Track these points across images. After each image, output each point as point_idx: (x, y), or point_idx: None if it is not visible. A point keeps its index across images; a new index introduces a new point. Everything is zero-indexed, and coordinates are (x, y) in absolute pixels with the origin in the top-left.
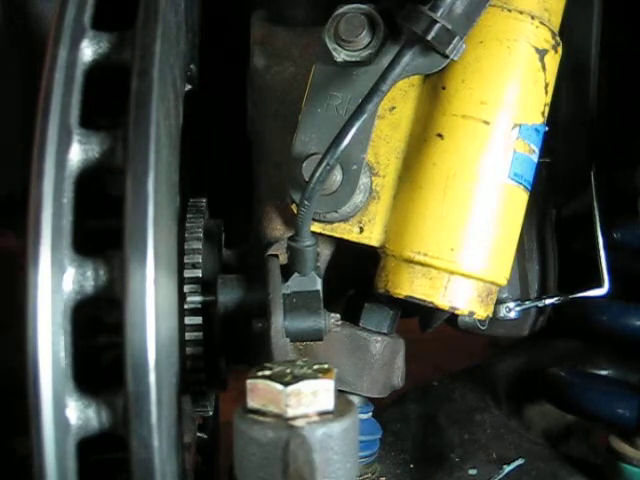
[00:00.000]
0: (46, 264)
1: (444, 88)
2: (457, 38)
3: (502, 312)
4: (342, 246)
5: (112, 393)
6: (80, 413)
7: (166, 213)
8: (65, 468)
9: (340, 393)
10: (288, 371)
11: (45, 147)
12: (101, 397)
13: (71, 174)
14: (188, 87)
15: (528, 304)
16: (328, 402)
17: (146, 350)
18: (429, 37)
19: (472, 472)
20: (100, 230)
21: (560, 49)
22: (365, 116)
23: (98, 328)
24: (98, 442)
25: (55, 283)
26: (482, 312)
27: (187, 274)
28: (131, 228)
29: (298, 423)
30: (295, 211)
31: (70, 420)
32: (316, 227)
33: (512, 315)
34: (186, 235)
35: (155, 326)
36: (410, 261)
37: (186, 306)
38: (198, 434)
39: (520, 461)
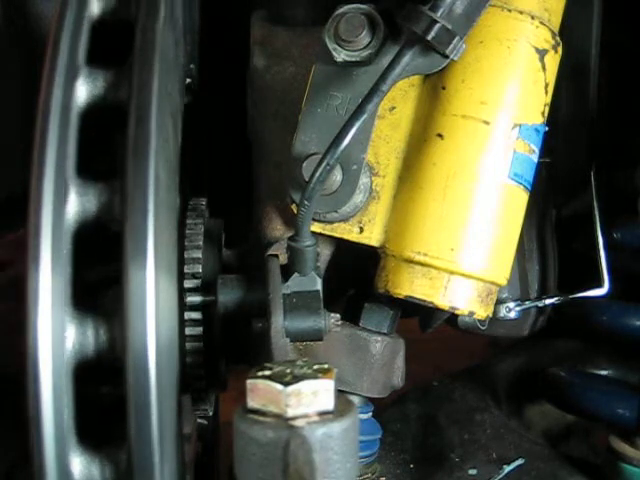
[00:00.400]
0: (46, 324)
1: (444, 88)
2: (457, 38)
3: (502, 312)
4: (342, 246)
5: (115, 447)
6: (83, 468)
7: (166, 240)
8: None
9: (340, 393)
10: (288, 371)
11: (42, 201)
12: (104, 452)
13: (69, 228)
14: (188, 80)
15: (528, 304)
16: (328, 402)
17: (150, 409)
18: (429, 37)
19: (472, 472)
20: (99, 280)
21: (560, 49)
22: (365, 116)
23: (101, 374)
24: None
25: (56, 344)
26: (482, 312)
27: (187, 284)
28: (131, 270)
29: (298, 423)
30: (295, 211)
31: (74, 476)
32: (316, 227)
33: (512, 315)
34: (186, 243)
35: (156, 371)
36: (410, 261)
37: (186, 316)
38: (198, 421)
39: (520, 461)
